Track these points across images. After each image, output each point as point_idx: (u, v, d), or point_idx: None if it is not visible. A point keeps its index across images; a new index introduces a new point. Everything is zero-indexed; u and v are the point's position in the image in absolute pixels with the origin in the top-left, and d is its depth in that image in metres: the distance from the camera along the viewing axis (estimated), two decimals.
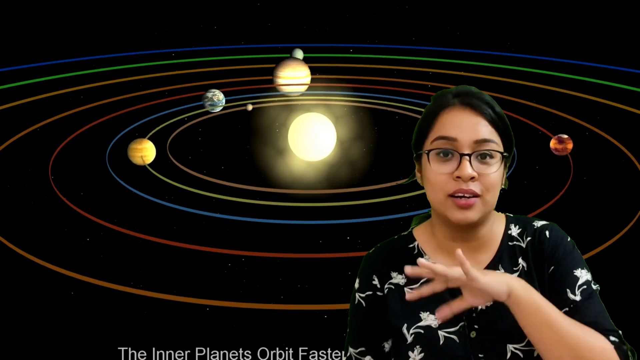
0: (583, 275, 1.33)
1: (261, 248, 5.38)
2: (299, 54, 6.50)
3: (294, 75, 7.32)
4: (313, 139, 6.82)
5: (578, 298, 1.30)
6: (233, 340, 4.21)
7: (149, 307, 4.55)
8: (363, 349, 1.39)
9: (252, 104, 9.77)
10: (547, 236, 1.37)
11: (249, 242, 5.48)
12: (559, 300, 1.30)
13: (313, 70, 11.08)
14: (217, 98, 5.17)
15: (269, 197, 6.50)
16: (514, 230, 1.40)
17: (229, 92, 10.24)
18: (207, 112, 9.44)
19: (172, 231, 5.67)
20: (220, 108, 5.25)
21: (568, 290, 1.31)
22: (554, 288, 1.32)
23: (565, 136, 5.34)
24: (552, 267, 1.34)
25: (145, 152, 6.48)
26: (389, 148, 8.12)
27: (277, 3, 13.66)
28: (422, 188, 1.42)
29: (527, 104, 9.54)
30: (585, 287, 1.32)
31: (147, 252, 5.31)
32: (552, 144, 5.45)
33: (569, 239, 1.39)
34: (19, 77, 10.42)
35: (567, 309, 1.29)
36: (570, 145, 5.38)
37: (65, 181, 6.78)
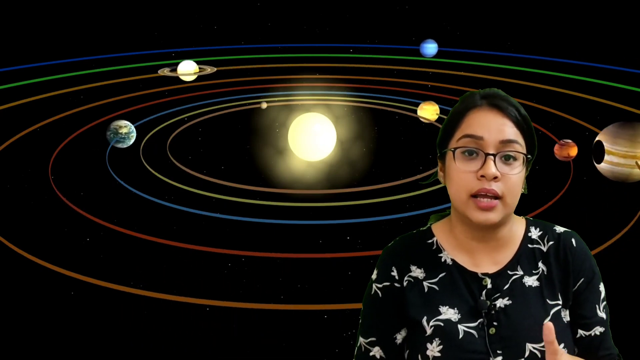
0: (603, 289, 1.40)
1: (261, 248, 5.38)
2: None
3: None
4: (313, 139, 6.82)
5: (604, 316, 1.38)
6: (233, 340, 4.21)
7: (149, 307, 4.55)
8: (373, 339, 1.41)
9: (251, 104, 9.77)
10: (574, 245, 1.40)
11: (249, 242, 5.48)
12: (590, 315, 1.37)
13: (313, 70, 11.09)
14: (123, 131, 5.04)
15: (269, 197, 6.50)
16: (534, 233, 1.43)
17: (229, 92, 10.26)
18: (207, 112, 9.45)
19: (172, 231, 5.67)
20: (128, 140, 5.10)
21: (597, 306, 1.38)
22: (586, 301, 1.38)
23: (568, 141, 5.31)
24: (582, 280, 1.38)
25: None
26: (389, 148, 8.13)
27: (277, 3, 13.68)
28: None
29: (527, 104, 9.55)
30: (605, 302, 1.40)
31: (147, 252, 5.31)
32: (556, 149, 5.41)
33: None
34: (19, 77, 10.44)
35: (596, 331, 1.37)
36: (571, 151, 5.32)
37: (65, 181, 6.79)
